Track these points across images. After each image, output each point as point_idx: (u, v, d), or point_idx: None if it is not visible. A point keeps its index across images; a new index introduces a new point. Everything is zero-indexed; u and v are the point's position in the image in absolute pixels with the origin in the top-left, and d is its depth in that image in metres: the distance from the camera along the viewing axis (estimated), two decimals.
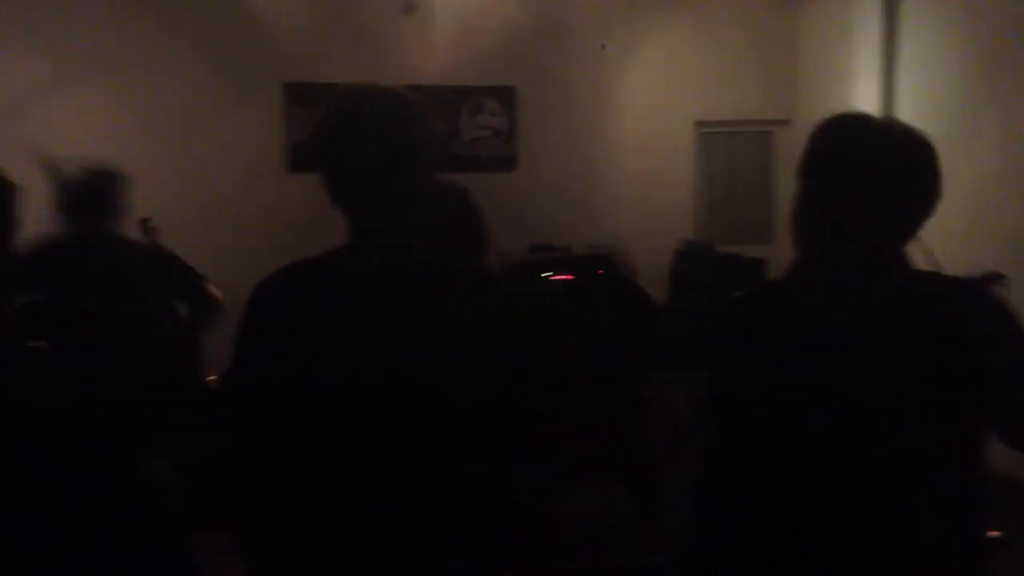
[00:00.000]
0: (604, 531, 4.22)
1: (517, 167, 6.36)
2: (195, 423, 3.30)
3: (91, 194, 3.31)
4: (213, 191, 5.78)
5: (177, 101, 5.74)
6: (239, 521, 1.58)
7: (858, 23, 5.99)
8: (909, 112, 5.28)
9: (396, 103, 1.53)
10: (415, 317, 1.47)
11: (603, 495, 4.34)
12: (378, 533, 1.46)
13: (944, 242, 2.63)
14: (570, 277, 4.91)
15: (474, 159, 6.26)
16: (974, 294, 1.50)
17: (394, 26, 5.99)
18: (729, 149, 6.89)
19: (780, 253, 6.33)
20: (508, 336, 1.52)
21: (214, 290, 3.49)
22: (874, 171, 1.49)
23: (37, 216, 3.61)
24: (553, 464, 1.66)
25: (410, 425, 1.45)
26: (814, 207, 1.55)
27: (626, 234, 6.13)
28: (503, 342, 1.50)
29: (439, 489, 1.47)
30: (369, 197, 1.51)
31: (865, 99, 5.77)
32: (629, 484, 4.32)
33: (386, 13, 5.96)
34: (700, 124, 6.73)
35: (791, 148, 6.82)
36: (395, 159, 1.49)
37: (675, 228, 6.42)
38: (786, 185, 6.81)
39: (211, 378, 4.78)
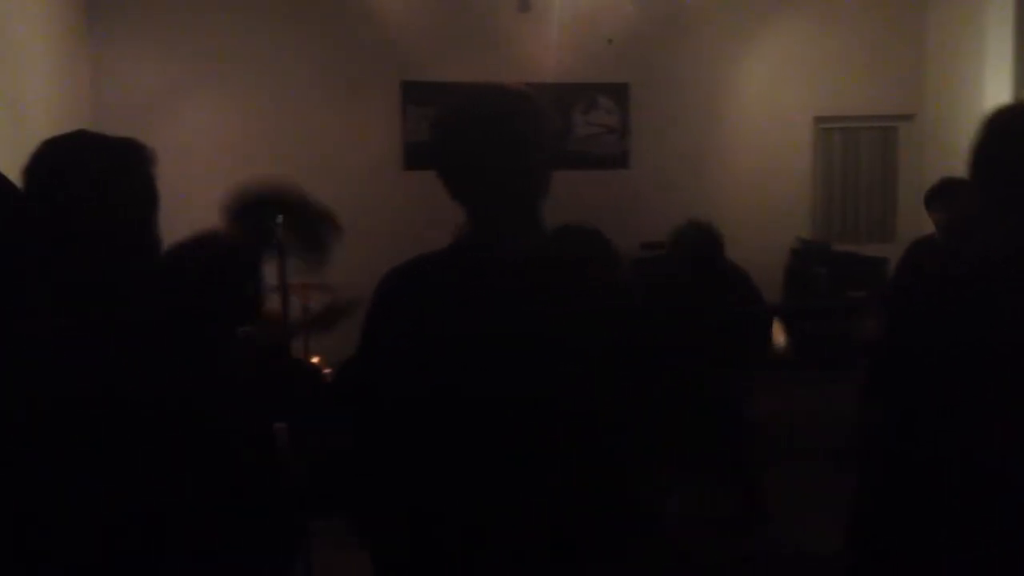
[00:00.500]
0: (703, 531, 4.19)
1: (630, 164, 6.34)
2: (311, 409, 3.42)
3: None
4: (333, 189, 5.92)
5: (298, 100, 5.94)
6: (360, 515, 1.61)
7: (989, 13, 5.74)
8: None
9: (515, 100, 1.54)
10: (537, 311, 1.47)
11: (702, 494, 4.30)
12: (502, 532, 1.47)
13: None
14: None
15: (587, 156, 6.27)
16: None
17: (510, 24, 6.06)
18: (850, 145, 6.70)
19: (901, 252, 6.11)
20: (629, 333, 1.52)
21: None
22: None
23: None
24: (664, 463, 1.65)
25: (535, 421, 1.45)
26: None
27: (741, 232, 6.04)
28: (624, 338, 1.51)
29: (561, 486, 1.47)
30: (488, 193, 1.53)
31: (997, 92, 5.52)
32: (732, 484, 4.26)
33: (502, 11, 6.03)
34: (819, 119, 6.56)
35: (916, 144, 6.58)
36: (514, 155, 1.51)
37: (791, 226, 6.29)
38: (909, 182, 6.58)
39: (315, 360, 4.95)
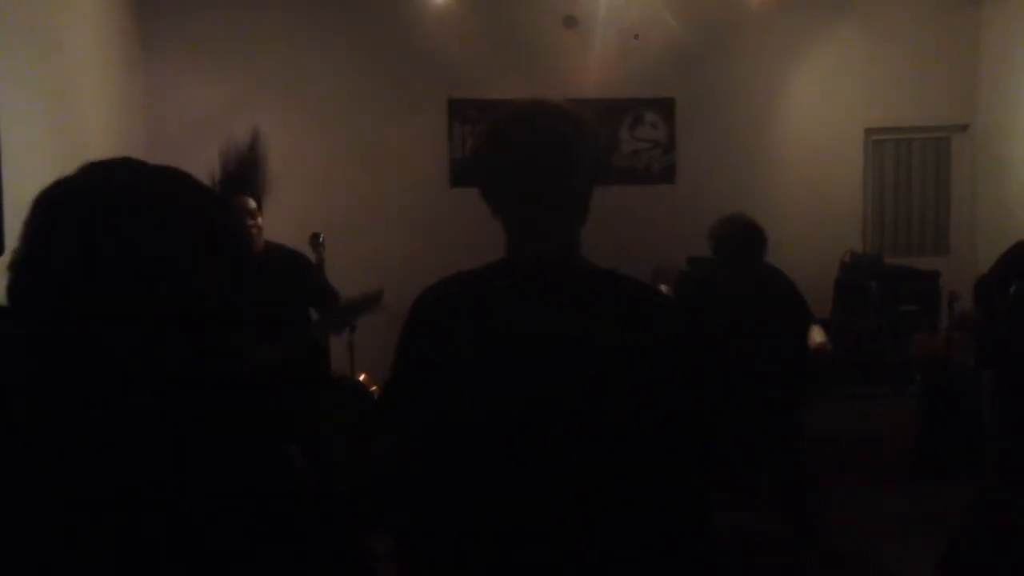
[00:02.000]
0: (752, 552, 4.12)
1: (676, 179, 6.31)
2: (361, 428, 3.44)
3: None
4: (383, 205, 6.03)
5: (348, 120, 6.02)
6: (402, 533, 1.57)
7: None
8: None
9: (559, 116, 1.53)
10: (580, 329, 1.45)
11: (750, 514, 4.23)
12: (549, 555, 1.42)
13: None
14: None
15: (633, 172, 6.25)
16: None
17: (555, 40, 6.08)
18: (902, 157, 6.59)
19: (956, 266, 6.00)
20: (678, 351, 1.49)
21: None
22: None
23: None
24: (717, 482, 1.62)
25: (576, 443, 1.41)
26: None
27: (790, 245, 5.97)
28: (672, 356, 1.48)
29: (610, 508, 1.43)
30: (530, 210, 1.51)
31: None
32: (783, 504, 4.18)
33: (548, 28, 6.06)
34: (871, 131, 6.47)
35: (969, 155, 6.46)
36: (557, 172, 1.49)
37: (842, 239, 6.19)
38: (962, 194, 6.45)
39: (361, 377, 4.99)
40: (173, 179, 1.15)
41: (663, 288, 4.84)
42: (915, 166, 6.59)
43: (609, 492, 1.43)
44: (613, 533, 1.43)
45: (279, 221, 4.07)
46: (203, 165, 5.66)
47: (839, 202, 6.41)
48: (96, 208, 1.03)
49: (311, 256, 4.02)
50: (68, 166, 1.19)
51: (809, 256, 5.80)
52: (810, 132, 6.38)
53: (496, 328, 1.47)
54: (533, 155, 1.49)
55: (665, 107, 6.25)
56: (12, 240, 1.08)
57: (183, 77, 5.84)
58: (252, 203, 3.64)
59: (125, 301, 0.98)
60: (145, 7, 5.71)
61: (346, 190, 6.00)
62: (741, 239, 4.06)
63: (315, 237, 4.10)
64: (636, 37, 5.97)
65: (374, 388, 4.90)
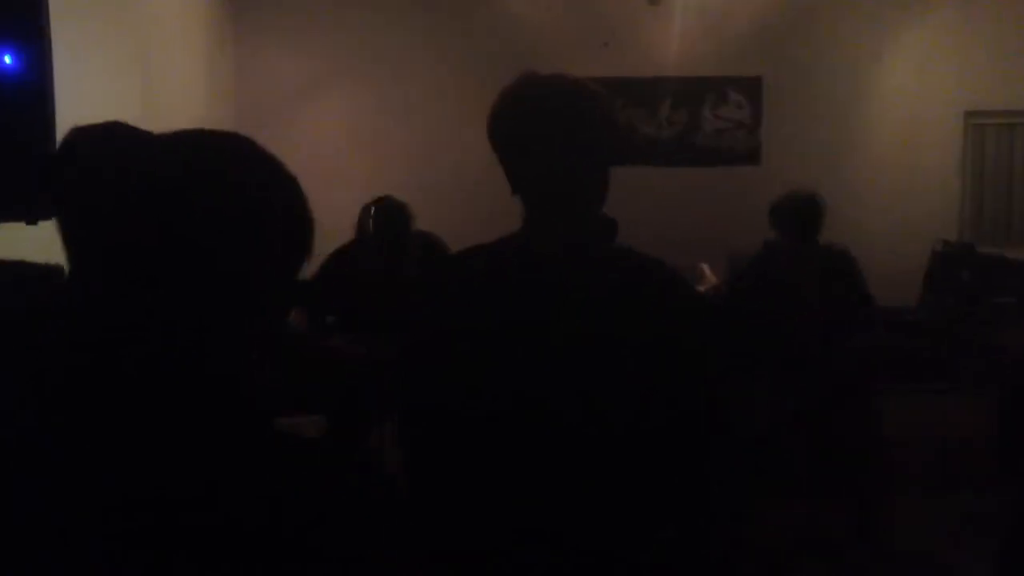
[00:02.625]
0: (809, 551, 4.00)
1: (761, 160, 6.15)
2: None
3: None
4: (458, 183, 6.04)
5: (428, 96, 6.03)
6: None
7: None
8: None
9: (576, 92, 1.48)
10: (592, 309, 1.40)
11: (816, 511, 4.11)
12: (555, 550, 1.38)
13: None
14: None
15: (717, 152, 6.12)
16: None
17: (639, 18, 5.98)
18: (1004, 142, 6.29)
19: None
20: (690, 337, 1.43)
21: None
22: None
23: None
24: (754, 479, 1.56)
25: (583, 434, 1.37)
26: None
27: (880, 232, 5.78)
28: (685, 343, 1.42)
29: (614, 505, 1.39)
30: (544, 189, 1.47)
31: None
32: (845, 502, 4.05)
33: (631, 5, 5.96)
34: (970, 115, 6.19)
35: None
36: (572, 150, 1.45)
37: (936, 227, 5.96)
38: None
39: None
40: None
41: (706, 271, 4.81)
42: (1018, 151, 6.28)
43: (615, 488, 1.38)
44: (617, 531, 1.39)
45: (349, 195, 4.15)
46: (290, 138, 5.87)
47: (933, 188, 6.17)
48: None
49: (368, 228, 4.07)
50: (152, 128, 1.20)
51: (899, 243, 5.61)
52: (903, 114, 6.14)
53: (505, 314, 1.43)
54: (547, 132, 1.45)
55: (750, 86, 6.09)
56: None
57: (272, 52, 5.93)
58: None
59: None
60: None
61: (422, 166, 6.02)
62: (795, 212, 3.97)
63: (366, 210, 4.11)
64: (605, 44, 5.87)
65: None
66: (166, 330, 0.87)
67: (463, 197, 5.96)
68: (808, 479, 3.91)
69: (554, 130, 1.45)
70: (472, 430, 1.42)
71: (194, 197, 0.91)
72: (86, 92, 3.45)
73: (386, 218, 3.99)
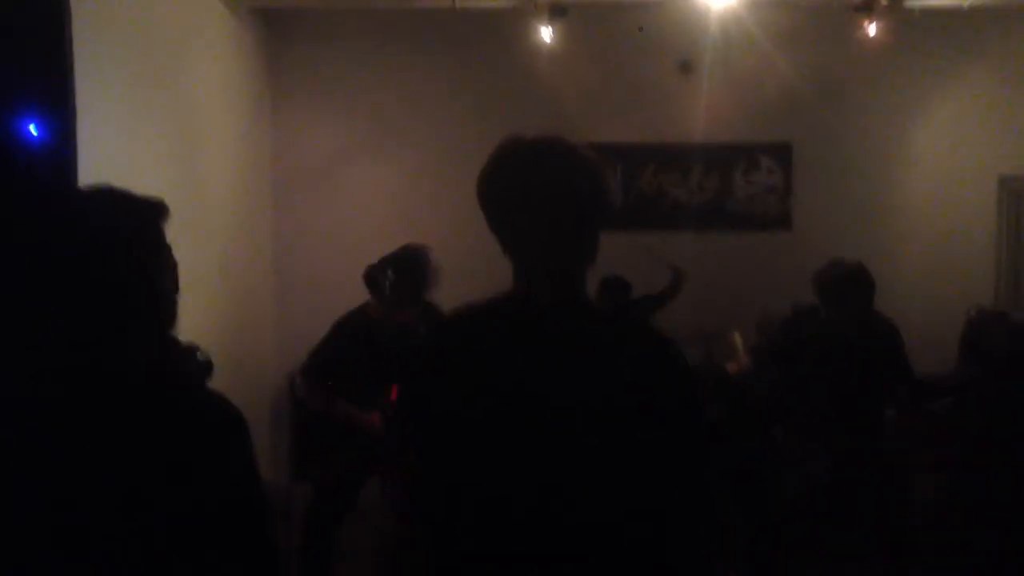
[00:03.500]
0: None
1: (792, 226, 6.14)
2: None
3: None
4: (492, 247, 6.09)
5: (463, 164, 6.10)
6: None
7: None
8: None
9: (562, 154, 1.51)
10: (583, 365, 1.43)
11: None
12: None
13: None
14: None
15: (747, 217, 6.13)
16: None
17: (671, 85, 6.05)
18: None
19: None
20: (675, 396, 1.45)
21: None
22: None
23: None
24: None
25: (569, 492, 1.41)
26: None
27: (914, 299, 5.70)
28: (671, 401, 1.44)
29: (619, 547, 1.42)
30: (532, 249, 1.50)
31: None
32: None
33: (664, 72, 6.04)
34: (1005, 179, 6.13)
35: None
36: (560, 212, 1.48)
37: (971, 294, 5.86)
38: None
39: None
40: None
41: (738, 344, 4.83)
42: None
43: (601, 552, 1.41)
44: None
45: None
46: (327, 205, 5.99)
47: (967, 253, 6.10)
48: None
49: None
50: (194, 210, 1.34)
51: (933, 310, 5.52)
52: (936, 178, 6.11)
53: (495, 372, 1.46)
54: (531, 195, 1.48)
55: (781, 152, 6.11)
56: None
57: (308, 120, 6.09)
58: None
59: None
60: (273, 54, 6.00)
61: (457, 230, 6.09)
62: (843, 281, 3.94)
63: (382, 271, 4.05)
64: (640, 29, 5.79)
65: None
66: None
67: (502, 262, 6.00)
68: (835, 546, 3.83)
69: (538, 193, 1.48)
70: (462, 487, 1.46)
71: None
72: (130, 156, 3.58)
73: (408, 265, 3.96)
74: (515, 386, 1.44)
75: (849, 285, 3.93)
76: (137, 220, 1.36)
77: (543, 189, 1.48)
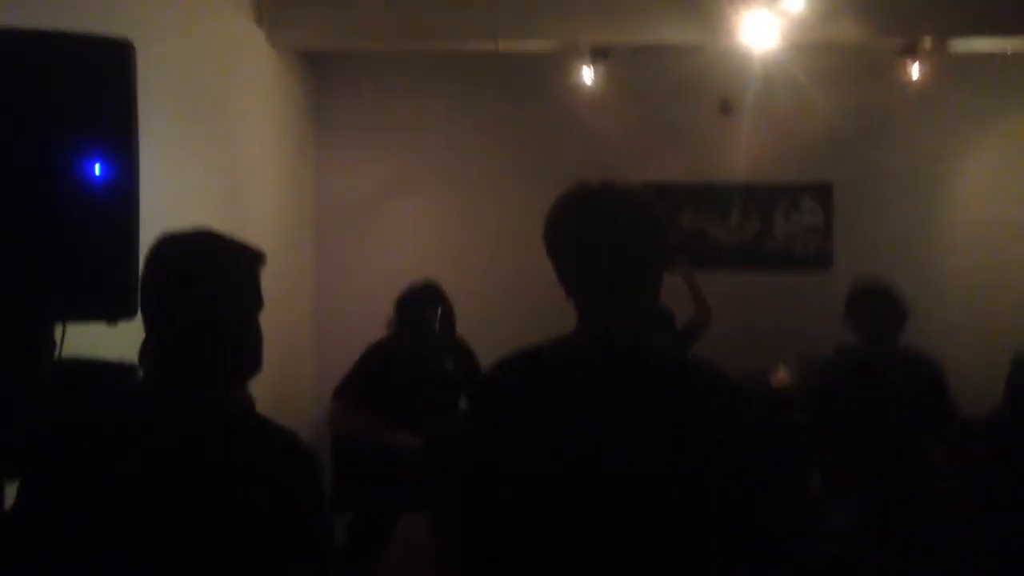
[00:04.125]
0: None
1: (833, 265, 6.10)
2: None
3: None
4: (529, 289, 6.10)
5: (500, 203, 6.17)
6: None
7: None
8: None
9: (626, 199, 1.53)
10: (643, 414, 1.41)
11: None
12: None
13: None
14: None
15: (788, 258, 6.10)
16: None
17: (711, 126, 6.06)
18: None
19: None
20: (747, 448, 1.43)
21: None
22: None
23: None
24: None
25: (640, 534, 1.38)
26: None
27: (958, 340, 5.62)
28: (741, 452, 1.42)
29: None
30: (596, 295, 1.50)
31: None
32: None
33: (704, 113, 6.05)
34: None
35: None
36: (625, 255, 1.49)
37: (1018, 335, 5.77)
38: None
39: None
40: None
41: (780, 370, 4.74)
42: None
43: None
44: None
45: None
46: (366, 243, 6.05)
47: (1013, 295, 6.01)
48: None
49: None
50: (240, 231, 1.38)
51: (979, 350, 5.44)
52: (980, 216, 6.05)
53: (558, 412, 1.45)
54: (599, 241, 1.49)
55: (822, 192, 6.09)
56: None
57: (351, 156, 6.18)
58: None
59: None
60: (317, 94, 6.11)
61: (494, 269, 6.12)
62: (873, 305, 3.87)
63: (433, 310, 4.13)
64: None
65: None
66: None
67: (538, 302, 5.99)
68: None
69: (606, 238, 1.49)
70: (525, 526, 1.44)
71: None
72: (178, 194, 3.66)
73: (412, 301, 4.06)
74: (579, 426, 1.43)
75: (868, 297, 3.88)
76: (244, 265, 1.43)
77: (607, 233, 1.49)
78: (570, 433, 1.42)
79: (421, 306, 4.03)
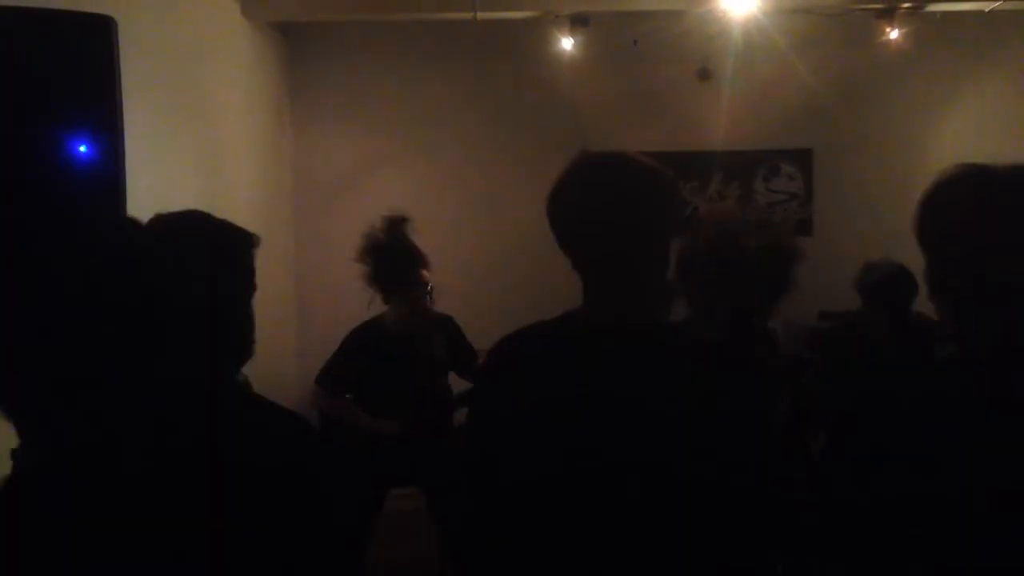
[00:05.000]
0: None
1: (813, 232, 6.13)
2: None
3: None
4: (513, 256, 6.09)
5: (482, 171, 6.15)
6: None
7: None
8: None
9: (635, 169, 1.48)
10: (653, 386, 1.39)
11: None
12: None
13: None
14: None
15: (768, 224, 6.12)
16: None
17: (690, 92, 6.05)
18: None
19: None
20: (752, 413, 1.42)
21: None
22: None
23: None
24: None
25: (651, 501, 1.37)
26: None
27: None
28: (747, 418, 1.41)
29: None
30: (604, 268, 1.46)
31: None
32: None
33: (682, 80, 6.04)
34: None
35: None
36: (632, 230, 1.45)
37: None
38: None
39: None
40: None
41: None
42: None
43: (677, 554, 1.38)
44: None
45: None
46: (346, 216, 6.00)
47: None
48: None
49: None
50: (219, 205, 1.33)
51: None
52: None
53: (567, 389, 1.43)
54: (607, 212, 1.45)
55: (802, 158, 6.11)
56: None
57: (329, 131, 6.12)
58: (427, 275, 3.75)
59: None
60: (293, 66, 6.04)
61: (475, 238, 6.10)
62: (881, 282, 3.90)
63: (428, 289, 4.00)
64: (635, 43, 5.75)
65: None
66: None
67: (521, 273, 6.01)
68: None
69: (613, 209, 1.45)
70: (536, 497, 1.43)
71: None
72: (154, 169, 3.61)
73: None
74: (588, 401, 1.41)
75: (892, 286, 3.89)
76: (239, 248, 1.39)
77: (614, 204, 1.45)
78: (583, 415, 1.40)
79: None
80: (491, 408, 1.52)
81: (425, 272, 3.79)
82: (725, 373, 1.44)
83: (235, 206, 4.80)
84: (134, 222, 1.35)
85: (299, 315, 6.07)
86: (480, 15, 5.10)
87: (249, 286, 1.41)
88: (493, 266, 6.05)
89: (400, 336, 3.83)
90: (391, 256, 3.71)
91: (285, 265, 5.96)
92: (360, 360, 3.85)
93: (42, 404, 1.15)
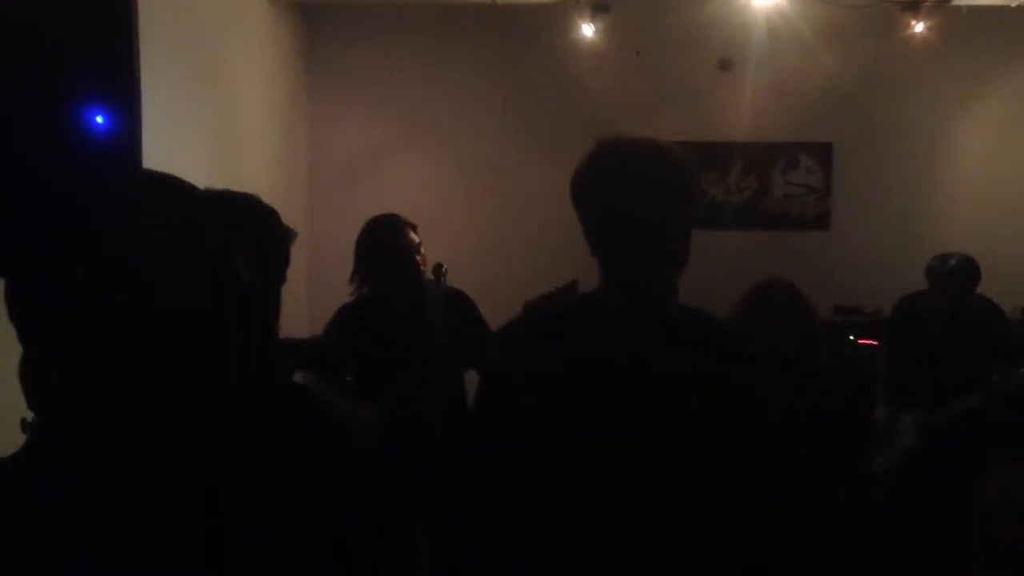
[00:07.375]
0: None
1: (831, 226, 6.08)
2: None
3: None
4: (527, 245, 6.07)
5: (498, 156, 6.12)
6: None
7: None
8: None
9: (660, 156, 1.49)
10: (666, 371, 1.41)
11: None
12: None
13: None
14: (876, 343, 4.63)
15: (786, 217, 6.08)
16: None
17: (710, 83, 6.00)
18: None
19: None
20: (753, 397, 1.45)
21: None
22: None
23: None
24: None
25: (665, 480, 1.40)
26: None
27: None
28: (748, 401, 1.44)
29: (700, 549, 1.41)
30: (623, 252, 1.47)
31: None
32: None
33: (703, 70, 5.99)
34: None
35: None
36: (652, 215, 1.45)
37: (1016, 295, 5.79)
38: None
39: None
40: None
41: None
42: None
43: (690, 530, 1.41)
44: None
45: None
46: (361, 198, 6.00)
47: (1012, 255, 6.01)
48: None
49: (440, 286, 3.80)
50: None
51: None
52: (980, 180, 6.03)
53: (581, 374, 1.43)
54: (627, 197, 1.45)
55: (821, 152, 6.05)
56: None
57: (345, 115, 6.10)
58: (415, 237, 3.62)
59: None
60: (310, 47, 6.01)
61: (490, 225, 6.08)
62: (945, 269, 3.93)
63: (438, 267, 3.66)
64: (637, 54, 5.73)
65: None
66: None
67: (538, 259, 5.98)
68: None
69: (638, 194, 1.45)
70: (547, 474, 1.44)
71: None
72: (171, 144, 3.60)
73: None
74: (598, 384, 1.42)
75: (960, 276, 3.91)
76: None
77: (639, 189, 1.45)
78: (602, 394, 1.41)
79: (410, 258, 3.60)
80: (501, 385, 1.53)
81: (412, 234, 3.64)
82: (726, 351, 1.50)
83: (251, 185, 4.78)
84: (195, 196, 1.19)
85: (311, 298, 6.07)
86: None
87: (282, 276, 1.39)
88: (508, 253, 6.03)
89: (397, 310, 3.56)
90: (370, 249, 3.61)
91: (298, 244, 5.90)
92: (346, 337, 3.56)
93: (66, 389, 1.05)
